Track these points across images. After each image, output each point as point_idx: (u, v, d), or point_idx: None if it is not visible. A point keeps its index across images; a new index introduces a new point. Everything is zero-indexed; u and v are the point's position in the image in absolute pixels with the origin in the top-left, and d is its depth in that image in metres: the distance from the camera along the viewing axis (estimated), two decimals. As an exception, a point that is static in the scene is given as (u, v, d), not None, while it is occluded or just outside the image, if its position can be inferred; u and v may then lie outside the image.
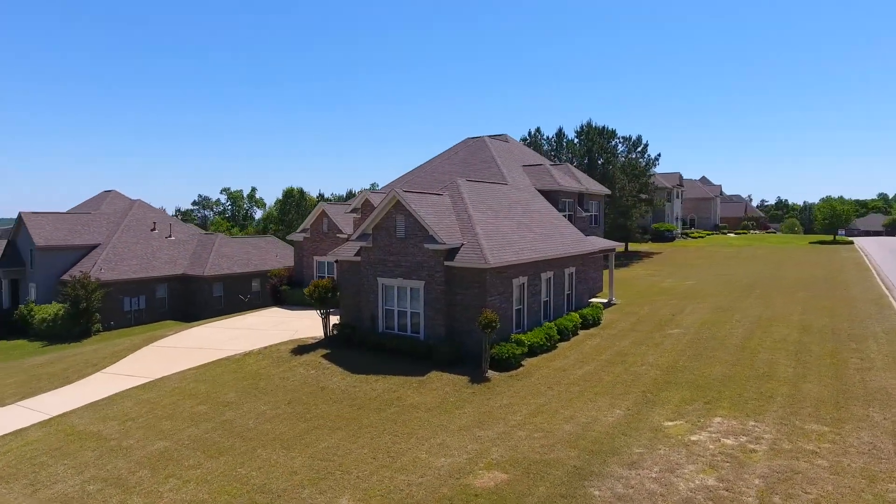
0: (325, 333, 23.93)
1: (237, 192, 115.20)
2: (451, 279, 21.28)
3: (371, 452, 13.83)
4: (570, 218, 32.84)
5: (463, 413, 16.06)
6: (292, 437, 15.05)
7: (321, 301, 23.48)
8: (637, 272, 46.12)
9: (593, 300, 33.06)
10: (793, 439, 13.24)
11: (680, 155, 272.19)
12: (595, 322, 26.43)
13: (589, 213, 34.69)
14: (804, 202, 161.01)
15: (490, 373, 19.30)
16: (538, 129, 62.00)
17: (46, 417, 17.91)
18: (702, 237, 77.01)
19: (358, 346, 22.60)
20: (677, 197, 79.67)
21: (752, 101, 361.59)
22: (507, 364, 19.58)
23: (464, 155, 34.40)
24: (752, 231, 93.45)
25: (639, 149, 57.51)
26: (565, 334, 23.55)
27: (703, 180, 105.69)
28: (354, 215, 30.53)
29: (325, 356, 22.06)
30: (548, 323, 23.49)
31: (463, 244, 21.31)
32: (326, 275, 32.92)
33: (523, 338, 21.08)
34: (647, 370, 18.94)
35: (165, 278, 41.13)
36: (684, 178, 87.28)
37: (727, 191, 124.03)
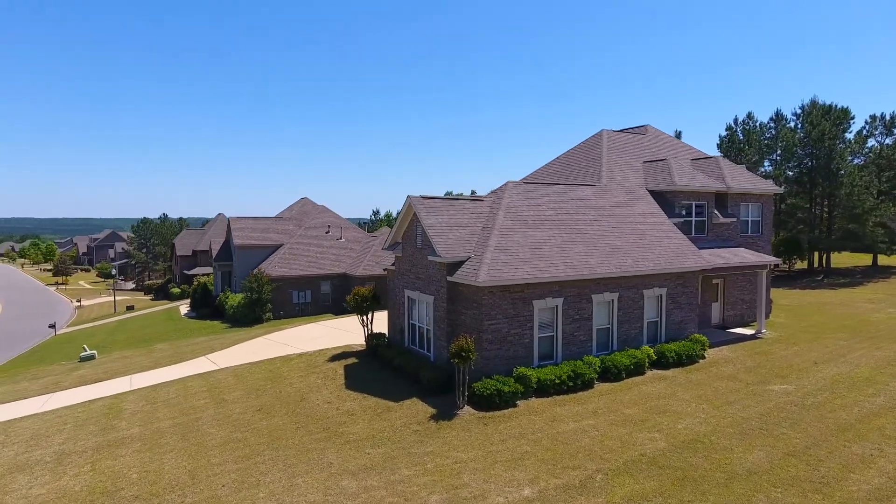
0: (366, 343, 23.69)
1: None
2: (455, 296, 18.95)
3: (237, 480, 13.10)
4: (700, 225, 26.18)
5: (383, 454, 14.09)
6: (212, 445, 15.20)
7: (358, 309, 23.32)
8: (851, 296, 34.64)
9: (737, 330, 26.02)
10: None
11: None
12: (689, 360, 20.62)
13: (734, 219, 27.06)
14: None
15: (466, 409, 16.59)
16: (749, 115, 51.22)
17: (112, 393, 21.81)
18: None
19: (379, 360, 21.82)
20: None
21: None
22: (489, 402, 16.57)
23: (577, 153, 30.29)
24: None
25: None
26: (613, 373, 18.88)
27: None
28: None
29: (347, 366, 21.88)
30: (590, 357, 19.13)
31: (470, 257, 18.76)
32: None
33: (531, 373, 17.58)
34: (651, 441, 13.94)
35: (329, 276, 45.90)
36: None
37: None
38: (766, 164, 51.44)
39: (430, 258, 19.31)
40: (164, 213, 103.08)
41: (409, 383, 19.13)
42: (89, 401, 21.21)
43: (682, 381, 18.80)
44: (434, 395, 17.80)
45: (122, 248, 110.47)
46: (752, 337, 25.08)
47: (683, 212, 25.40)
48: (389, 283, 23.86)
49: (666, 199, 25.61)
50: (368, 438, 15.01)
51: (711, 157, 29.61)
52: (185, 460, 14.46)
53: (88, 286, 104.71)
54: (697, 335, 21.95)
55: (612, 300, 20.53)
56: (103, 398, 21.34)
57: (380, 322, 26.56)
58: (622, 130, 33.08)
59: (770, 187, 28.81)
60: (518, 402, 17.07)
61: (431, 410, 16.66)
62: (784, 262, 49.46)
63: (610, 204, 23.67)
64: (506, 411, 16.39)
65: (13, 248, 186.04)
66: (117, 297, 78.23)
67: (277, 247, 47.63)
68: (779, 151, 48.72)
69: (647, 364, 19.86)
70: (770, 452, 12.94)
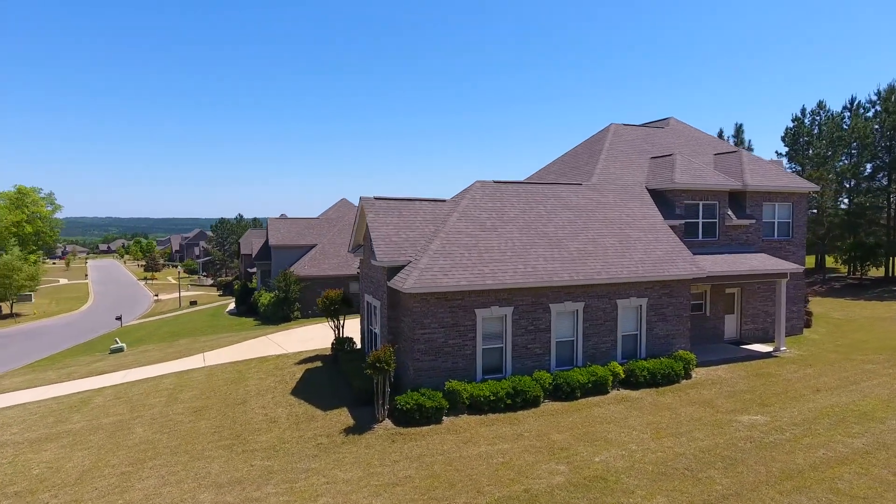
0: (331, 348, 23.22)
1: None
2: (396, 303, 17.99)
3: (113, 484, 12.96)
4: (709, 227, 23.33)
5: (266, 467, 13.46)
6: (126, 445, 15.28)
7: (327, 312, 22.87)
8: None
9: (753, 347, 23.10)
10: None
11: None
12: (665, 380, 18.37)
13: (752, 221, 23.83)
14: None
15: (385, 423, 15.59)
16: (820, 104, 45.74)
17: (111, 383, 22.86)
18: None
19: (339, 365, 21.25)
20: None
21: None
22: (409, 417, 15.45)
23: (581, 149, 28.14)
24: None
25: None
26: (566, 391, 17.08)
27: None
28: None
29: (309, 370, 21.55)
30: (542, 373, 17.43)
31: (410, 262, 17.71)
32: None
33: (462, 388, 16.27)
34: (550, 475, 12.26)
35: (355, 276, 46.10)
36: None
37: None
38: (844, 158, 45.56)
39: (372, 262, 18.49)
40: (239, 214, 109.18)
41: (350, 391, 18.42)
42: (74, 393, 22.34)
43: (647, 405, 16.66)
44: (365, 405, 16.95)
45: (203, 247, 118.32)
46: (767, 355, 22.01)
47: (684, 212, 22.74)
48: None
49: (666, 199, 23.08)
50: (269, 449, 14.45)
51: (734, 152, 26.42)
52: (89, 459, 14.63)
53: (174, 282, 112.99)
54: (683, 352, 19.47)
55: (577, 310, 18.66)
56: (86, 391, 22.39)
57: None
58: (644, 125, 30.44)
59: (802, 184, 25.20)
60: (445, 418, 15.84)
61: (351, 422, 15.84)
62: (857, 270, 43.50)
63: (594, 204, 21.63)
64: (425, 428, 15.23)
65: (123, 245, 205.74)
66: (190, 293, 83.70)
67: (311, 247, 48.52)
68: (854, 144, 42.95)
69: (610, 383, 17.82)
70: (675, 500, 10.92)
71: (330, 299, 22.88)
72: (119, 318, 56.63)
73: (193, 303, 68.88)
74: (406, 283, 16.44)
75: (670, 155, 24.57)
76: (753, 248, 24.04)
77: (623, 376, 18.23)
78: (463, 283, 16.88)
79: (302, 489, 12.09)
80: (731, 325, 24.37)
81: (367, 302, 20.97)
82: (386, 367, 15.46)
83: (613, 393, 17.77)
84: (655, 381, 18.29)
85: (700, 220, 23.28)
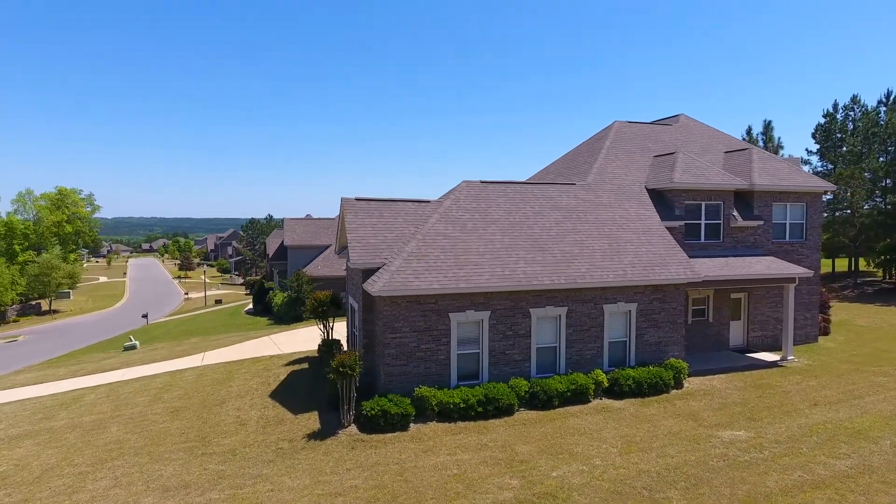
0: (318, 351, 23.03)
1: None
2: (371, 306, 17.65)
3: (67, 484, 13.01)
4: (713, 229, 22.18)
5: (218, 473, 13.28)
6: (96, 444, 15.40)
7: (315, 314, 22.70)
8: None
9: (759, 355, 21.92)
10: None
11: None
12: (652, 389, 17.48)
13: (761, 222, 22.51)
14: None
15: (350, 429, 15.25)
16: (854, 98, 43.38)
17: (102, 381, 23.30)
18: None
19: (322, 368, 21.05)
20: None
21: None
22: (373, 424, 15.06)
23: (583, 148, 27.24)
24: None
25: None
26: (542, 400, 16.40)
27: None
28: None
29: (294, 372, 21.47)
30: (519, 380, 16.80)
31: (385, 264, 17.34)
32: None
33: (431, 394, 15.81)
34: (500, 490, 11.66)
35: (371, 277, 46.09)
36: None
37: None
38: (880, 155, 42.96)
39: (348, 263, 18.21)
40: (269, 214, 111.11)
41: (326, 395, 18.17)
42: (72, 390, 22.84)
43: (627, 416, 15.84)
44: (336, 409, 16.63)
45: (234, 247, 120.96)
46: (772, 364, 20.76)
47: (684, 213, 21.66)
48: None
49: (666, 199, 22.05)
50: (228, 453, 14.31)
51: (744, 149, 25.10)
52: (56, 457, 14.79)
53: (209, 280, 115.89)
54: (674, 360, 18.48)
55: (560, 315, 17.93)
56: (82, 389, 22.87)
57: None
58: (653, 122, 29.31)
59: (816, 183, 23.71)
60: (413, 425, 15.40)
61: (318, 427, 15.58)
62: (892, 274, 40.88)
63: (586, 205, 20.82)
64: (390, 435, 14.82)
65: (164, 245, 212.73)
66: (218, 292, 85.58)
67: (326, 247, 48.74)
68: (890, 140, 40.40)
69: (592, 391, 17.04)
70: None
71: (318, 301, 22.68)
72: (145, 316, 58.22)
73: (219, 301, 70.33)
74: (375, 285, 16.09)
75: (672, 153, 23.50)
76: (762, 250, 22.74)
77: (607, 385, 17.42)
78: (435, 286, 16.41)
79: (245, 496, 11.85)
80: (736, 332, 23.12)
81: (350, 304, 20.73)
82: (350, 372, 15.13)
83: (595, 402, 16.99)
84: (641, 390, 17.40)
85: (703, 222, 22.15)
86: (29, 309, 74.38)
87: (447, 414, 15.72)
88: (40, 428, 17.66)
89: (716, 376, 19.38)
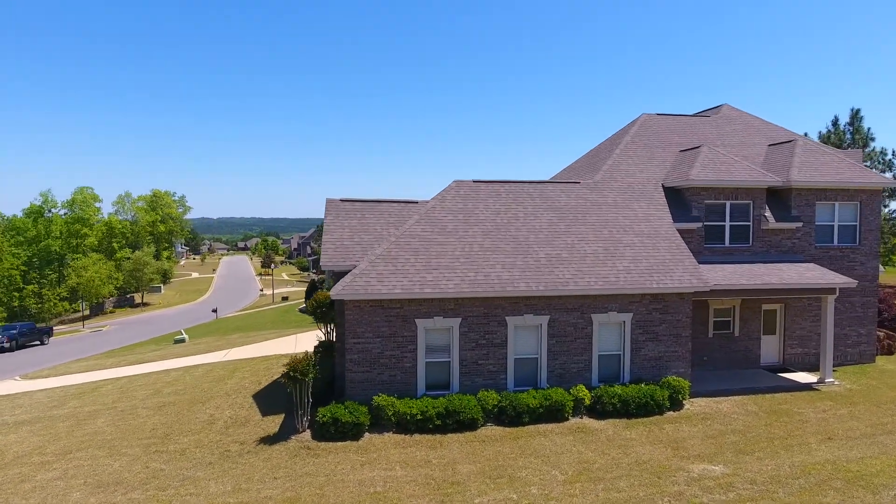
0: (313, 353, 22.93)
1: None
2: (341, 310, 17.22)
3: (22, 474, 13.58)
4: (740, 231, 19.70)
5: (162, 472, 13.38)
6: (78, 434, 16.10)
7: (315, 315, 22.64)
8: None
9: (793, 376, 19.40)
10: None
11: None
12: (642, 410, 15.72)
13: (799, 224, 19.66)
14: None
15: (304, 435, 14.87)
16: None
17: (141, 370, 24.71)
18: None
19: (314, 369, 20.93)
20: None
21: None
22: (324, 431, 14.59)
23: (606, 144, 25.28)
24: None
25: None
26: (510, 415, 15.20)
27: None
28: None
29: (289, 372, 21.50)
30: (488, 392, 15.68)
31: (355, 266, 16.84)
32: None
33: (389, 403, 15.10)
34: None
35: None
36: None
37: None
38: None
39: (319, 265, 17.91)
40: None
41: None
42: (98, 381, 24.34)
43: (601, 439, 14.29)
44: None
45: (311, 246, 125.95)
46: (806, 387, 18.10)
47: (703, 214, 19.40)
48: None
49: (684, 198, 19.89)
50: (178, 452, 14.41)
51: (789, 141, 22.16)
52: (33, 445, 15.61)
53: (288, 277, 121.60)
54: (673, 378, 16.50)
55: (541, 325, 16.57)
56: (106, 380, 24.31)
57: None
58: (696, 114, 26.77)
59: (871, 179, 20.39)
60: (368, 434, 14.79)
61: (275, 431, 15.38)
62: None
63: (587, 205, 19.20)
64: (339, 444, 14.28)
65: (256, 244, 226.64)
66: (288, 289, 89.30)
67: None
68: None
69: (570, 409, 15.57)
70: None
71: (318, 302, 22.62)
72: (215, 311, 61.67)
73: (285, 298, 73.30)
74: (335, 288, 15.65)
75: (698, 147, 21.19)
76: (801, 256, 19.93)
77: (588, 402, 15.86)
78: (398, 290, 15.68)
79: (164, 498, 11.78)
80: (770, 347, 20.43)
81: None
82: (301, 378, 14.79)
83: (573, 421, 15.50)
84: (628, 410, 15.67)
85: (727, 223, 19.74)
86: (124, 301, 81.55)
87: (404, 425, 14.95)
88: (45, 415, 18.85)
89: (728, 398, 17.14)
